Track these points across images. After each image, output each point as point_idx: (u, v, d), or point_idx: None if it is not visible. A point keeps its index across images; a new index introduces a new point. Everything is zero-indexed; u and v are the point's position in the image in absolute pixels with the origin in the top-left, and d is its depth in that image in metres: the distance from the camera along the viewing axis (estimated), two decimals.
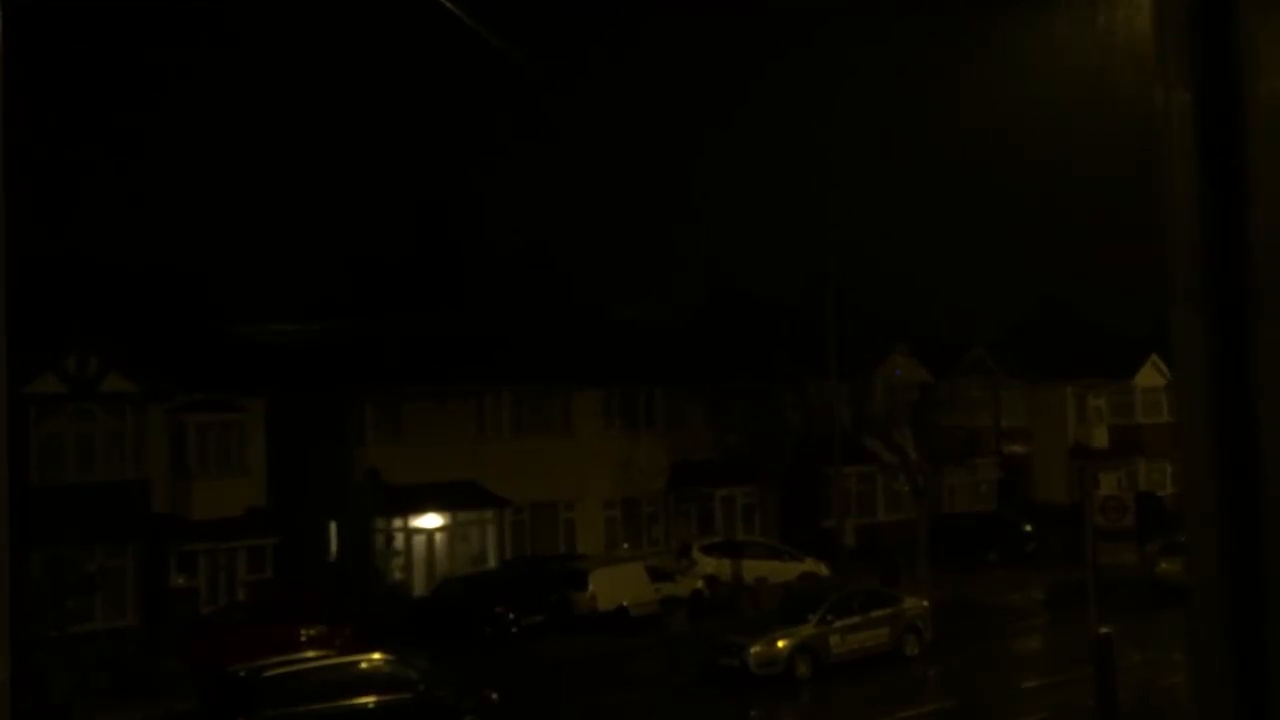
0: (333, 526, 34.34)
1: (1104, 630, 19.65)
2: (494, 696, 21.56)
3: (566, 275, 42.02)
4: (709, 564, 36.51)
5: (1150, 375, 49.95)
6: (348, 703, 20.11)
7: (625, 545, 38.43)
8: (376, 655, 21.66)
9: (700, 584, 34.64)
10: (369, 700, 20.32)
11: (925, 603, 28.17)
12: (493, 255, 41.58)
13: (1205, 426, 1.40)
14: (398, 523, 33.85)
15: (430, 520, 34.38)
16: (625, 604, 31.53)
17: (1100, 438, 51.37)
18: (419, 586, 33.40)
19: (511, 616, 29.54)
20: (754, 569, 36.26)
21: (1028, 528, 42.22)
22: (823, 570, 36.71)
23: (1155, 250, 1.48)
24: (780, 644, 25.21)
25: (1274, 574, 1.37)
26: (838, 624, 25.95)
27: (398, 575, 33.26)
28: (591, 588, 31.27)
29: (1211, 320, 1.40)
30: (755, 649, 24.95)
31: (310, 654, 22.49)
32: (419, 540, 34.26)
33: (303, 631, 26.59)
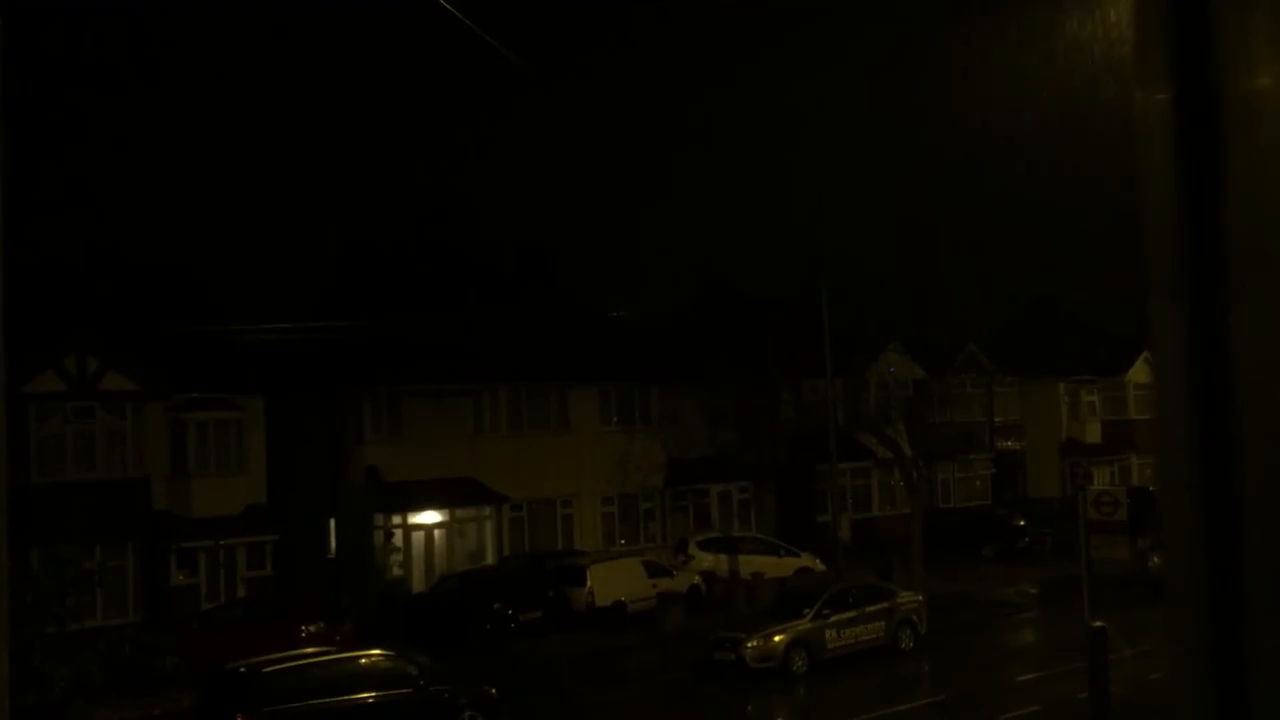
0: (332, 524, 34.46)
1: (1097, 624, 19.83)
2: (493, 692, 21.68)
3: (563, 274, 42.17)
4: (706, 559, 36.70)
5: (1143, 371, 50.16)
6: (347, 698, 20.17)
7: (622, 541, 38.59)
8: (376, 651, 21.75)
9: (697, 579, 34.81)
10: (368, 696, 20.39)
11: (920, 597, 28.34)
12: (489, 254, 41.68)
13: (1183, 419, 1.42)
14: (396, 519, 33.97)
15: (429, 517, 34.50)
16: (623, 599, 31.68)
17: (1093, 433, 51.63)
18: (418, 583, 33.53)
19: (510, 612, 29.67)
20: (750, 564, 36.47)
21: (1021, 523, 42.44)
22: (818, 565, 36.91)
23: (1141, 246, 1.48)
24: (776, 639, 25.37)
25: (1251, 566, 1.38)
26: (833, 618, 26.12)
27: (396, 572, 33.38)
28: (589, 584, 31.42)
29: (1190, 315, 1.42)
30: (752, 644, 25.11)
31: (310, 650, 22.57)
32: (418, 537, 34.38)
33: (302, 628, 26.72)
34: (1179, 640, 1.45)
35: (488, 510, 35.61)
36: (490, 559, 35.07)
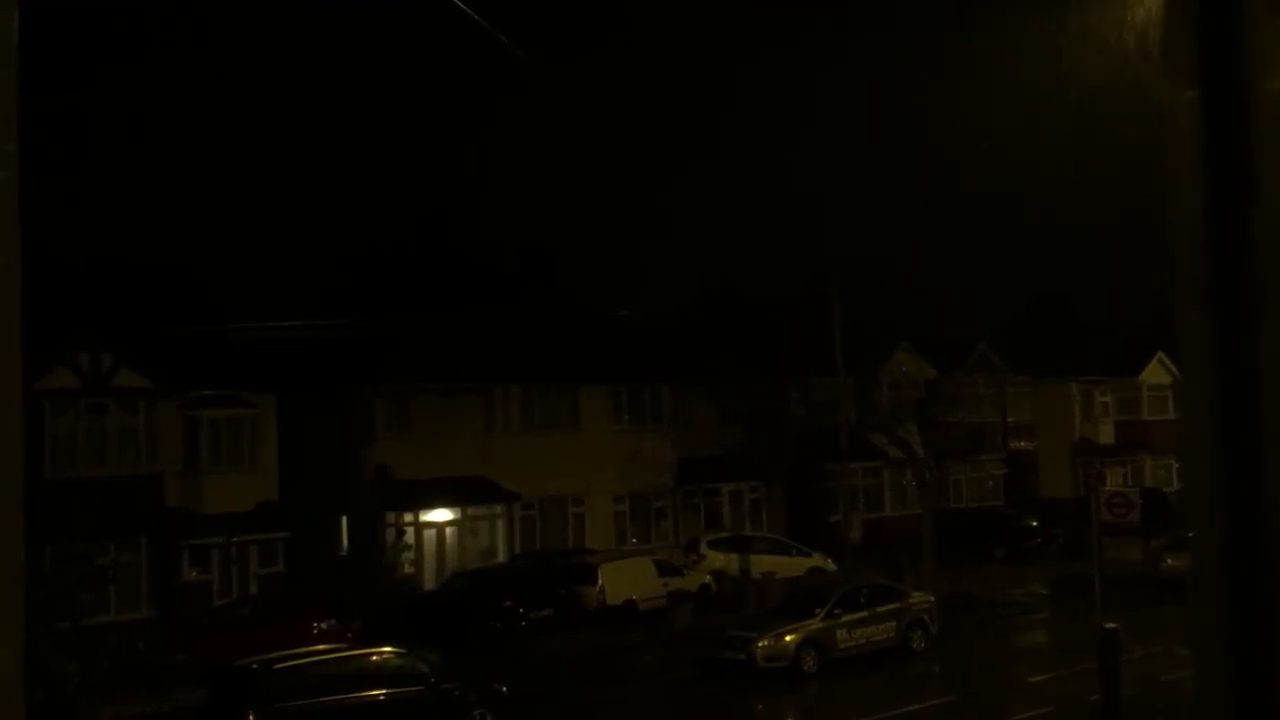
0: (343, 521, 34.53)
1: (1109, 625, 19.76)
2: (503, 690, 21.69)
3: (572, 273, 42.21)
4: (717, 559, 36.68)
5: (1156, 372, 49.99)
6: (358, 696, 20.19)
7: (633, 540, 38.59)
8: (386, 649, 21.74)
9: (708, 579, 34.80)
10: (379, 693, 20.40)
11: (931, 597, 28.28)
12: (500, 253, 41.75)
13: (1210, 421, 1.41)
14: (407, 517, 34.02)
15: (440, 515, 34.56)
16: (633, 598, 31.69)
17: (1106, 434, 51.45)
18: (429, 581, 33.59)
19: (520, 611, 29.67)
20: (761, 563, 36.43)
21: (1033, 523, 42.35)
22: (829, 565, 36.87)
23: (1162, 247, 1.47)
24: (787, 638, 25.34)
25: (1277, 568, 1.38)
26: (844, 618, 26.07)
27: (407, 569, 33.44)
28: (600, 582, 31.43)
29: (1218, 317, 1.41)
30: (762, 643, 25.09)
31: (321, 647, 22.60)
32: (429, 535, 34.44)
33: (313, 625, 26.77)
34: (1202, 641, 1.44)
35: (499, 508, 35.64)
36: (501, 557, 35.10)
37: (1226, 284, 1.41)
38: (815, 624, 25.70)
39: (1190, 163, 1.44)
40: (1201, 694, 1.44)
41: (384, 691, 20.42)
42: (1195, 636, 1.45)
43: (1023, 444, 49.68)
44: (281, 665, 20.37)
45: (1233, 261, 1.41)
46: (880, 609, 26.70)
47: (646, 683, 25.87)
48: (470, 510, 35.11)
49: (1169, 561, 31.92)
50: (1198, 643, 1.44)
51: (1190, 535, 1.47)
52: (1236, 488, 1.40)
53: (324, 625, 26.90)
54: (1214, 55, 1.42)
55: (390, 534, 33.69)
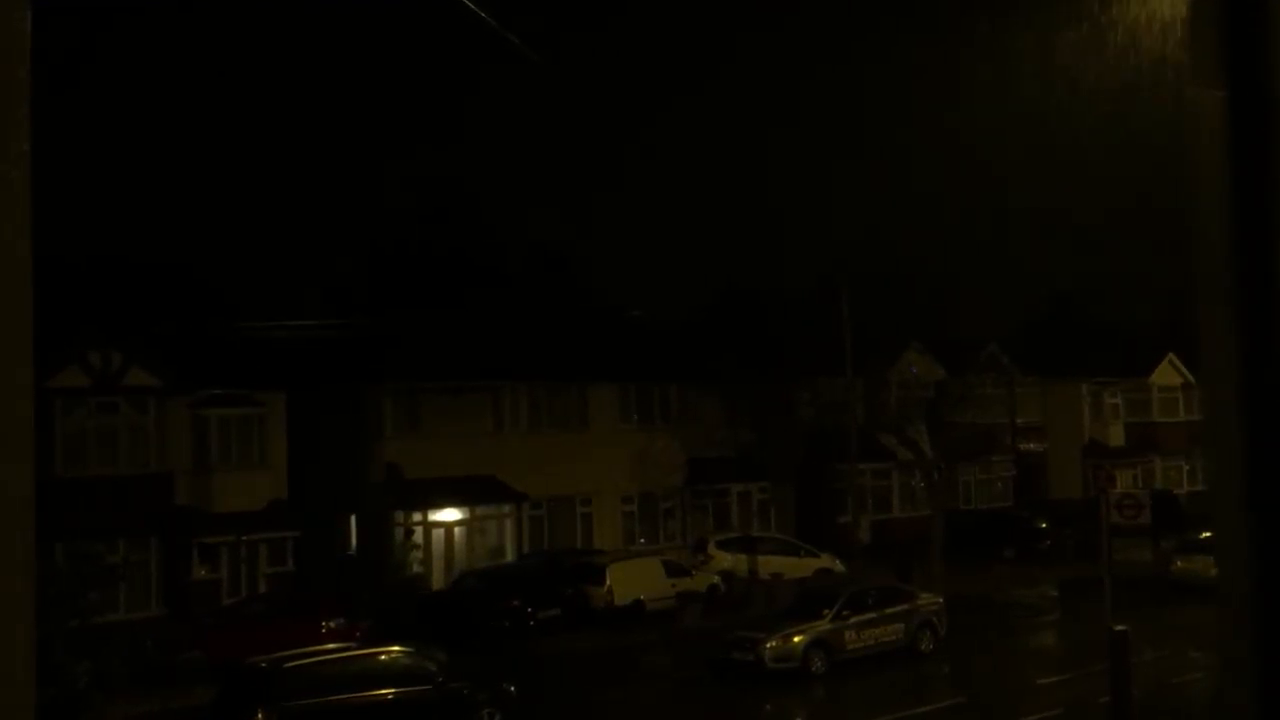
0: (352, 520, 34.59)
1: (1119, 627, 19.70)
2: (511, 689, 21.70)
3: (582, 272, 42.23)
4: (725, 559, 36.67)
5: (1167, 373, 49.86)
6: (366, 694, 20.20)
7: (642, 540, 38.60)
8: (395, 648, 21.74)
9: (716, 579, 34.79)
10: (387, 692, 20.41)
11: (940, 599, 28.22)
12: (509, 252, 41.79)
13: (1233, 422, 1.40)
14: (416, 517, 34.07)
15: (448, 514, 34.59)
16: (641, 598, 31.69)
17: (1116, 435, 51.34)
18: (438, 580, 33.63)
19: (528, 610, 29.71)
20: (769, 564, 36.43)
21: (1042, 525, 42.28)
22: (838, 566, 36.84)
23: (1173, 247, 1.48)
24: (796, 639, 25.31)
25: None
26: (853, 619, 26.04)
27: (416, 569, 33.48)
28: (608, 582, 31.43)
29: (1240, 316, 1.40)
30: (771, 644, 25.07)
31: (329, 646, 22.62)
32: (437, 534, 34.48)
33: (322, 624, 26.80)
34: (1228, 642, 1.44)
35: (507, 508, 35.66)
36: (510, 557, 35.12)
37: (1250, 284, 1.40)
38: (823, 625, 25.67)
39: (1215, 163, 1.43)
40: (1224, 692, 1.43)
41: (392, 691, 20.43)
42: (1222, 636, 1.44)
43: (1032, 445, 49.58)
44: (291, 664, 20.37)
45: (1257, 261, 1.40)
46: (889, 610, 26.65)
47: (654, 683, 25.85)
48: (479, 510, 35.14)
49: (1179, 564, 31.84)
50: (1223, 639, 1.44)
51: (1214, 535, 1.46)
52: (1260, 487, 1.39)
53: (333, 624, 26.93)
54: (1240, 57, 1.41)
55: (399, 533, 33.75)
